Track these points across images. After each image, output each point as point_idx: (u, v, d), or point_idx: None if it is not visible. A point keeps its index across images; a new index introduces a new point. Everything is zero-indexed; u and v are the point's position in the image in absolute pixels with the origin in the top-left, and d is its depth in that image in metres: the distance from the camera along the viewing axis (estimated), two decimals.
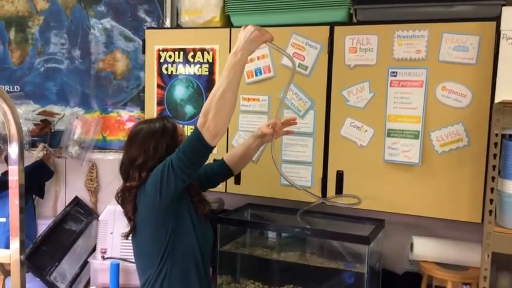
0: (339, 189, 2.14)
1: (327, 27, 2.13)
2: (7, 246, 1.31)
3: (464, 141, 1.95)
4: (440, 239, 2.18)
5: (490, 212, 1.71)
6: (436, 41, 1.96)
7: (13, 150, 1.20)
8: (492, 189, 1.70)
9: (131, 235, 1.82)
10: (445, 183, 1.98)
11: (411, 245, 2.17)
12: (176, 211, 1.73)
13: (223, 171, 2.07)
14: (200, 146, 1.62)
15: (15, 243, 1.25)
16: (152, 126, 1.80)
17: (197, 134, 1.61)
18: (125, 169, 1.80)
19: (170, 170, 1.64)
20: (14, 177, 1.23)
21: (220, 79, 1.65)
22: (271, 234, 2.39)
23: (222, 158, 2.10)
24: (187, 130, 2.42)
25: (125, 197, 1.78)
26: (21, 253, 1.25)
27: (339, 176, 2.14)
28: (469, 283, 2.02)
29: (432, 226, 2.25)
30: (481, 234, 1.75)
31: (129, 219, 1.79)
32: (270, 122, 2.09)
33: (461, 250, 2.09)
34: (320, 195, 2.20)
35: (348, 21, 2.17)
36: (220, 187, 2.34)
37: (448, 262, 2.10)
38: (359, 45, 2.08)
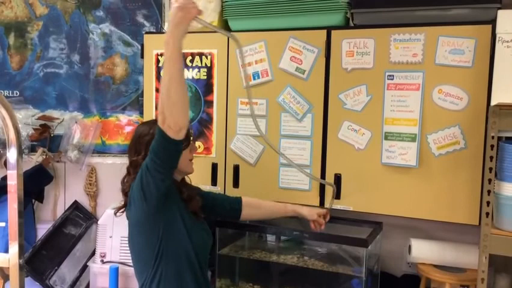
0: (337, 193, 2.14)
1: (324, 31, 2.15)
2: (6, 251, 1.32)
3: (461, 144, 1.96)
4: (438, 241, 2.18)
5: (487, 214, 1.71)
6: (432, 44, 1.97)
7: (12, 155, 1.21)
8: (489, 192, 1.71)
9: (127, 238, 1.84)
10: (442, 186, 1.99)
11: (409, 247, 2.17)
12: (165, 212, 1.72)
13: (233, 210, 2.04)
14: (166, 143, 1.58)
15: (14, 248, 1.26)
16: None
17: (160, 132, 1.58)
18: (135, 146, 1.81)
19: (147, 173, 1.64)
20: (13, 182, 1.24)
21: (163, 76, 1.57)
22: (270, 238, 2.40)
23: (241, 198, 2.07)
24: None
25: (125, 178, 1.82)
26: (20, 257, 1.26)
27: (337, 179, 2.15)
28: (466, 285, 2.02)
29: (430, 228, 2.26)
30: (479, 237, 1.76)
31: (124, 194, 1.81)
32: (321, 211, 2.05)
33: (458, 252, 2.10)
34: (318, 198, 2.21)
35: (345, 25, 2.18)
36: (219, 190, 2.35)
37: (446, 264, 2.11)
38: (356, 48, 2.09)
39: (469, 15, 1.96)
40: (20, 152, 1.22)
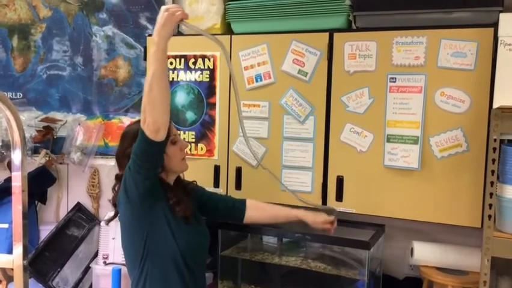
0: (339, 195, 2.15)
1: (327, 34, 2.15)
2: (9, 252, 1.33)
3: (463, 147, 1.96)
4: (440, 243, 2.18)
5: (489, 216, 1.72)
6: (434, 47, 1.98)
7: (16, 156, 1.22)
8: (491, 194, 1.71)
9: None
10: (445, 188, 1.99)
11: (412, 249, 2.17)
12: (150, 215, 1.73)
13: (236, 211, 2.02)
14: (146, 144, 1.60)
15: (18, 249, 1.26)
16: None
17: (141, 133, 1.60)
18: (119, 161, 1.82)
19: (129, 173, 1.66)
20: (17, 183, 1.24)
21: (147, 73, 1.60)
22: (272, 240, 2.40)
23: (245, 200, 2.05)
24: (188, 136, 2.44)
25: (116, 185, 1.83)
26: (24, 258, 1.27)
27: (339, 181, 2.16)
28: None
29: (432, 231, 2.26)
30: (481, 239, 1.76)
31: (114, 205, 1.83)
32: (326, 220, 1.99)
33: (461, 255, 2.10)
34: (321, 200, 2.21)
35: (348, 28, 2.19)
36: (222, 192, 2.35)
37: (448, 267, 2.11)
38: (358, 51, 2.10)
39: (471, 19, 1.96)
40: (25, 154, 1.22)
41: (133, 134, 1.71)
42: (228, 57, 1.87)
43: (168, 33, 1.58)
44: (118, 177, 1.81)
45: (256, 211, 2.04)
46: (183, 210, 1.77)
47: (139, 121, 1.67)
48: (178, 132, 2.23)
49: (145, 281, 1.75)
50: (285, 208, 2.07)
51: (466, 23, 1.96)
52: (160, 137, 1.60)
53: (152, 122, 1.56)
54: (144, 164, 1.63)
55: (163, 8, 1.60)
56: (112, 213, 1.90)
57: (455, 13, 1.98)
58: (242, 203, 2.04)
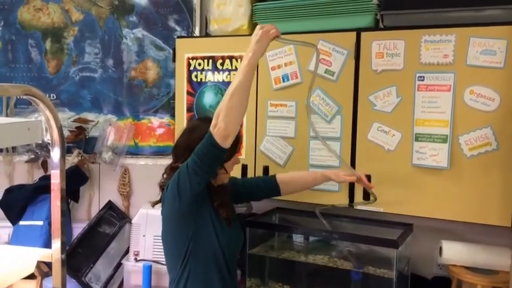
0: (366, 194, 2.15)
1: (354, 33, 2.16)
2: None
3: (493, 145, 1.94)
4: (470, 243, 2.16)
5: None
6: (463, 45, 1.96)
7: (55, 154, 1.26)
8: None
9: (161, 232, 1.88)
10: (474, 187, 1.98)
11: (440, 249, 2.16)
12: (197, 215, 1.76)
13: (270, 189, 2.07)
14: (212, 148, 1.63)
15: (56, 243, 1.31)
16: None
17: (209, 136, 1.64)
18: (180, 152, 1.84)
19: (186, 173, 1.68)
20: (56, 181, 1.29)
21: (232, 82, 1.68)
22: (299, 238, 2.42)
23: (275, 176, 2.09)
24: None
25: (166, 173, 1.87)
26: (62, 252, 1.31)
27: (367, 180, 2.15)
28: (498, 287, 2.00)
29: (461, 230, 2.24)
30: (511, 238, 1.74)
31: (161, 190, 1.86)
32: (348, 174, 2.04)
33: (490, 254, 2.08)
34: (348, 199, 2.22)
35: (375, 27, 2.19)
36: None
37: (478, 266, 2.09)
38: (386, 50, 2.10)
39: (501, 16, 1.95)
40: (63, 152, 1.27)
41: (203, 131, 1.72)
42: (317, 65, 2.02)
43: (261, 50, 1.73)
44: (173, 168, 1.83)
45: (287, 185, 2.07)
46: (226, 212, 1.83)
47: (207, 119, 1.74)
48: None
49: (187, 279, 1.78)
50: (311, 172, 2.16)
51: (495, 20, 1.94)
52: (227, 144, 1.65)
53: (223, 128, 1.61)
54: (204, 167, 1.66)
55: (258, 26, 1.75)
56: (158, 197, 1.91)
57: (486, 11, 1.97)
58: (273, 181, 2.07)
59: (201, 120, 1.93)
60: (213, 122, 1.64)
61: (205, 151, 1.65)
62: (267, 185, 2.07)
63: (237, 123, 1.66)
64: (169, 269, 1.87)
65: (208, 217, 1.79)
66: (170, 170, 1.85)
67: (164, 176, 1.88)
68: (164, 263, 1.85)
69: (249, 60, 1.68)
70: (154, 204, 1.95)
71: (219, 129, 1.62)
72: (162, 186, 1.85)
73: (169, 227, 1.82)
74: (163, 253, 1.91)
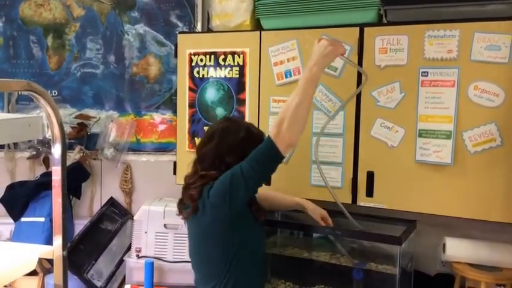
0: (369, 190, 2.14)
1: (357, 29, 2.15)
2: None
3: (497, 141, 1.93)
4: (473, 239, 2.15)
5: None
6: (468, 40, 1.95)
7: (56, 150, 1.25)
8: None
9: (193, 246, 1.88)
10: (478, 184, 1.97)
11: (444, 245, 2.15)
12: (242, 220, 1.78)
13: None
14: (273, 155, 1.66)
15: (58, 240, 1.30)
16: (250, 132, 1.85)
17: (270, 143, 1.66)
18: (210, 160, 1.81)
19: (241, 178, 1.67)
20: (57, 177, 1.28)
21: (295, 92, 1.71)
22: (302, 235, 2.41)
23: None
24: None
25: (196, 182, 1.79)
26: (63, 249, 1.30)
27: (370, 176, 2.15)
28: (503, 284, 1.99)
29: (464, 227, 2.23)
30: None
31: (193, 200, 1.78)
32: (323, 214, 2.11)
33: (494, 251, 2.07)
34: (351, 196, 2.21)
35: (378, 22, 2.18)
36: None
37: (481, 263, 2.08)
38: (389, 45, 2.08)
39: (505, 11, 1.93)
40: (65, 148, 1.26)
41: (231, 141, 1.76)
42: (360, 90, 2.09)
43: (326, 65, 1.82)
44: (202, 176, 1.78)
45: (261, 202, 2.04)
46: (264, 216, 1.88)
47: (230, 128, 1.81)
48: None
49: (234, 285, 1.77)
50: (288, 196, 2.17)
51: (499, 15, 1.92)
52: (287, 151, 1.71)
53: (288, 136, 1.65)
54: (261, 173, 1.69)
55: (325, 41, 1.78)
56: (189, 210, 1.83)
57: (490, 6, 1.95)
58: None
59: (223, 129, 1.86)
60: (275, 130, 1.66)
61: (266, 158, 1.67)
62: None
63: (301, 132, 1.71)
64: (206, 279, 1.84)
65: (251, 222, 1.83)
66: (199, 178, 1.80)
67: (193, 186, 1.80)
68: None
69: (313, 74, 1.72)
70: (187, 216, 1.85)
71: (283, 139, 1.65)
72: (194, 196, 1.78)
73: (210, 234, 1.80)
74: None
